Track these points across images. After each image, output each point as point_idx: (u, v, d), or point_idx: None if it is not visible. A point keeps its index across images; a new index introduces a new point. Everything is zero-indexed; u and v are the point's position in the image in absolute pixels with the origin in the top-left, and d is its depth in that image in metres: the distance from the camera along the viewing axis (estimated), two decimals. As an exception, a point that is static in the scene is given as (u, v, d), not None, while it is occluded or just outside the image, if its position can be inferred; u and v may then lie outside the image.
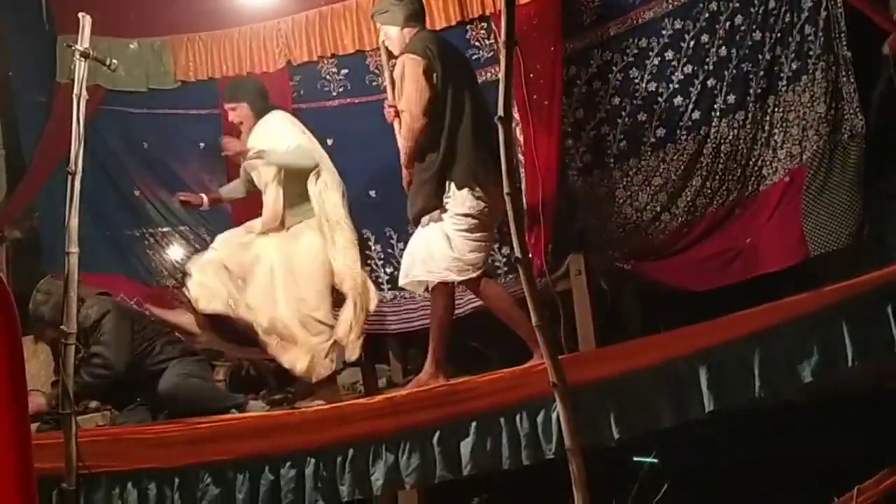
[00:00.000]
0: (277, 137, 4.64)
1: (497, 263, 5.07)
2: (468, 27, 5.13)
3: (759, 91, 4.54)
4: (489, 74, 5.04)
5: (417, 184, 4.20)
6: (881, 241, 4.10)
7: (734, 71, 4.59)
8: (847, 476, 3.34)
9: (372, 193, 5.30)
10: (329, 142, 5.06)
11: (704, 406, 3.37)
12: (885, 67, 3.82)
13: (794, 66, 4.41)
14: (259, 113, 4.77)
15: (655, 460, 3.81)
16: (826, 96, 4.28)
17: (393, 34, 4.32)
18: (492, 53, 5.06)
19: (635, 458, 3.84)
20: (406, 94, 4.11)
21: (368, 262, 5.21)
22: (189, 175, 5.67)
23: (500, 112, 3.06)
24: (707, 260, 4.58)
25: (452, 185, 4.11)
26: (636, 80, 4.84)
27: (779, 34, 4.45)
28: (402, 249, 4.69)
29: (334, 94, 5.43)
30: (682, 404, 3.42)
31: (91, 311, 4.45)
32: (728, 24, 4.59)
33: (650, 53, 4.81)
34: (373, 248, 5.32)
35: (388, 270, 5.26)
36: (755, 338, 3.35)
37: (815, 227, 4.23)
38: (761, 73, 4.52)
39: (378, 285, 5.17)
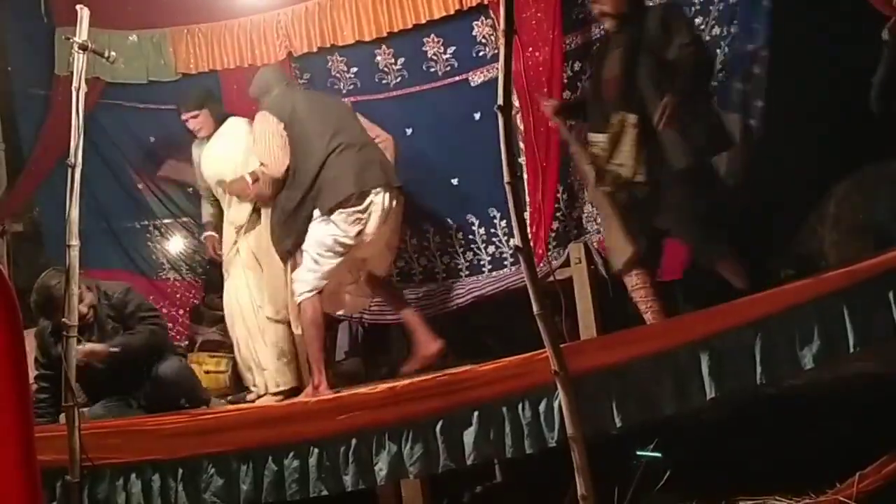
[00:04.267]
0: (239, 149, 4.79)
1: (504, 254, 5.07)
2: (474, 24, 5.08)
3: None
4: (495, 71, 4.99)
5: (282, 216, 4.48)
6: (883, 226, 4.09)
7: (727, 48, 4.56)
8: (848, 462, 3.34)
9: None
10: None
11: (706, 393, 3.38)
12: (885, 52, 3.80)
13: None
14: (217, 119, 4.93)
15: (657, 454, 3.80)
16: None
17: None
18: (497, 49, 5.02)
19: (638, 452, 3.84)
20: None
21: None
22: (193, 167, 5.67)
23: (500, 101, 3.06)
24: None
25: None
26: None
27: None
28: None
29: (345, 91, 5.36)
30: (683, 391, 3.41)
31: (112, 291, 4.53)
32: (722, 4, 4.55)
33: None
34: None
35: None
36: (756, 324, 3.34)
37: None
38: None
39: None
